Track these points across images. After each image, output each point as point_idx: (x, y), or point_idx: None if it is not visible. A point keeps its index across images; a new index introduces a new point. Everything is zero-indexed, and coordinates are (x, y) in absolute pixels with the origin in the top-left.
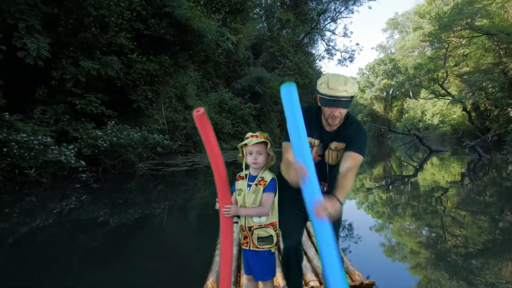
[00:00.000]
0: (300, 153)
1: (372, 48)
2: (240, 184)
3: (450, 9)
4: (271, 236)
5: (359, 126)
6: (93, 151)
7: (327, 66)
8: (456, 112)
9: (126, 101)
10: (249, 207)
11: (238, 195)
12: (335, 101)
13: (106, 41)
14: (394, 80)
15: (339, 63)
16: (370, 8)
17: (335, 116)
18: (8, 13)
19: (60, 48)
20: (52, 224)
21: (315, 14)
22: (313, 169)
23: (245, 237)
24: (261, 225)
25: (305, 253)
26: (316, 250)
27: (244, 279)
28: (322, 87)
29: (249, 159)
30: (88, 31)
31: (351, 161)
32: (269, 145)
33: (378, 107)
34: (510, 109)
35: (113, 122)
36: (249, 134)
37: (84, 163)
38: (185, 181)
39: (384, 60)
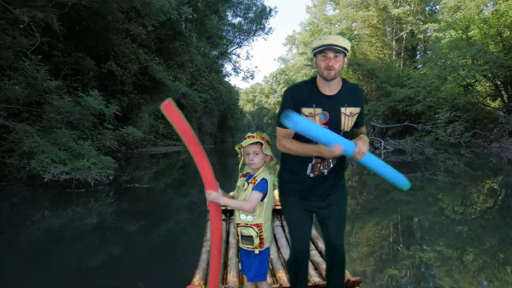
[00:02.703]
0: (331, 141)
1: (274, 60)
2: (240, 182)
3: None
4: (251, 236)
5: (360, 90)
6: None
7: (234, 81)
8: None
9: (127, 118)
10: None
11: (236, 191)
12: (328, 47)
13: (121, 89)
14: None
15: (243, 79)
16: (265, 40)
17: (329, 67)
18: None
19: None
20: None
21: (224, 43)
22: (339, 137)
23: (237, 234)
24: (247, 224)
25: None
26: (315, 247)
27: (231, 276)
28: (314, 42)
29: (247, 160)
30: (115, 87)
31: (363, 129)
32: (264, 145)
33: None
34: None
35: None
36: (248, 134)
37: (124, 148)
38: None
39: (285, 70)
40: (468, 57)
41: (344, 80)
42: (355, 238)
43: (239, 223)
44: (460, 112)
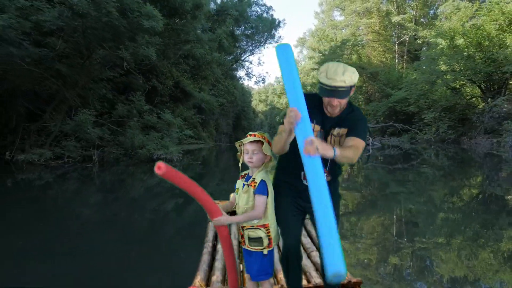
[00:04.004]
0: (295, 100)
1: None
2: (238, 183)
3: (329, 49)
4: (260, 238)
5: (361, 114)
6: None
7: (247, 83)
8: None
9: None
10: (241, 207)
11: (236, 194)
12: (333, 91)
13: (161, 100)
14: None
15: (255, 83)
16: (275, 47)
17: (333, 105)
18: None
19: None
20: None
21: (238, 52)
22: (306, 112)
23: (242, 236)
24: (253, 226)
25: (305, 251)
26: (316, 247)
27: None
28: (321, 77)
29: (245, 158)
30: (157, 99)
31: (353, 142)
32: (264, 145)
33: None
34: (369, 115)
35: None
36: (249, 133)
37: None
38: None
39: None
40: (454, 63)
41: (350, 105)
42: (356, 237)
43: (244, 226)
44: (444, 113)
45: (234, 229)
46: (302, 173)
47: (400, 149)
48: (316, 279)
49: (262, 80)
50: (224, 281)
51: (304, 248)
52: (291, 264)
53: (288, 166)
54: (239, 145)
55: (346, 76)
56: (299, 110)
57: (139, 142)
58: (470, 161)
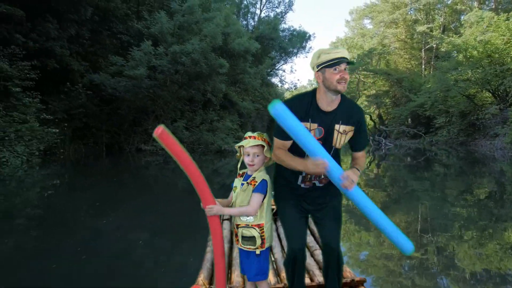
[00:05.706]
0: (314, 151)
1: None
2: (237, 182)
3: (357, 56)
4: (253, 237)
5: (360, 109)
6: None
7: (280, 89)
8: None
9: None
10: (238, 204)
11: (234, 192)
12: (341, 58)
13: (214, 109)
14: None
15: (287, 89)
16: (306, 57)
17: (344, 79)
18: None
19: None
20: None
21: (273, 62)
22: (328, 156)
23: (236, 235)
24: (248, 225)
25: (309, 249)
26: (319, 246)
27: (235, 275)
28: (321, 57)
29: (246, 160)
30: (212, 108)
31: (361, 156)
32: (265, 148)
33: None
34: (394, 118)
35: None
36: (248, 134)
37: None
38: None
39: None
40: (468, 73)
41: (343, 97)
42: (359, 237)
43: (239, 224)
44: (456, 118)
45: (225, 231)
46: (300, 177)
47: (409, 149)
48: (319, 278)
49: (294, 86)
50: (227, 279)
51: (307, 247)
52: (297, 268)
53: (286, 171)
54: (239, 147)
55: (345, 49)
56: (322, 156)
57: (211, 140)
58: (466, 158)
